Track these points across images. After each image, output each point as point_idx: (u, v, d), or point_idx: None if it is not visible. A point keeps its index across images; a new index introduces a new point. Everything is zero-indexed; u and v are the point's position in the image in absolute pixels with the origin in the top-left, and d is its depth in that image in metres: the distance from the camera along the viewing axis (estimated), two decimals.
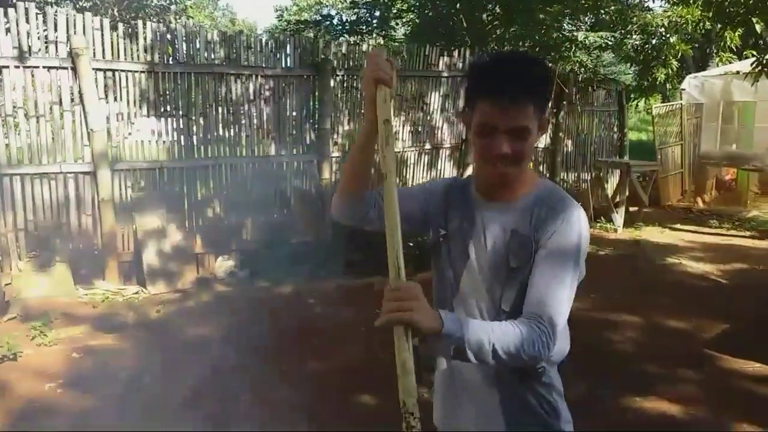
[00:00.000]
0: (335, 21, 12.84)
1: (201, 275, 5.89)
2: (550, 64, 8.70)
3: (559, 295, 1.30)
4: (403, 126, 7.20)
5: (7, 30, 4.93)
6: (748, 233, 8.11)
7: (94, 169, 5.32)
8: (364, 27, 11.91)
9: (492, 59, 1.40)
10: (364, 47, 7.09)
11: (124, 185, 5.58)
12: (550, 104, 1.43)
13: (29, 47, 4.99)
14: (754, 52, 5.88)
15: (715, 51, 10.42)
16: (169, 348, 4.32)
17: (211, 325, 4.73)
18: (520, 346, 1.23)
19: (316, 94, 6.45)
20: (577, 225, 1.35)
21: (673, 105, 10.60)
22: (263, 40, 6.42)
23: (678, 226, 8.51)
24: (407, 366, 1.12)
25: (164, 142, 5.77)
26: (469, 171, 7.57)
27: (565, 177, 9.26)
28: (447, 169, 7.72)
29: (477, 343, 1.20)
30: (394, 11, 12.13)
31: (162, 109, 5.69)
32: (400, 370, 1.12)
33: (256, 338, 4.46)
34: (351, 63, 6.74)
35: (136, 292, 5.38)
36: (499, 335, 1.22)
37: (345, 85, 6.76)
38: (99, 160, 5.31)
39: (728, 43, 8.35)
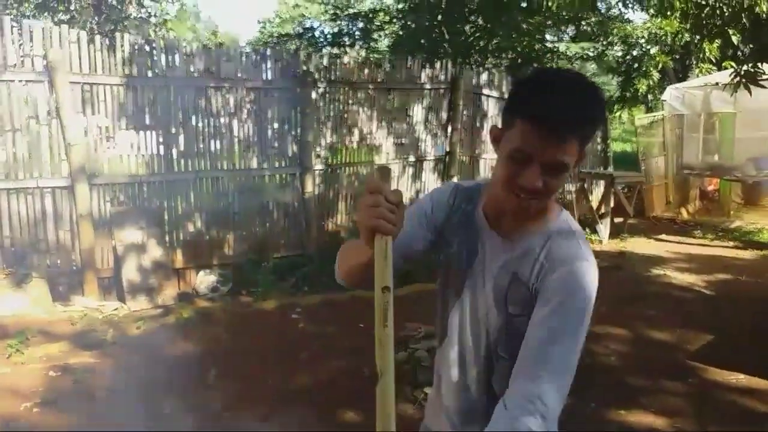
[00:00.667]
0: (317, 33, 12.86)
1: (182, 290, 5.82)
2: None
3: (559, 368, 1.15)
4: (387, 138, 7.18)
5: None
6: (731, 243, 8.17)
7: (71, 183, 5.24)
8: (346, 39, 11.94)
9: (546, 79, 1.22)
10: (346, 59, 7.08)
11: (103, 200, 5.49)
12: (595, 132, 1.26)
13: (4, 61, 4.92)
14: (733, 64, 5.94)
15: (694, 62, 10.57)
16: (150, 365, 4.23)
17: (193, 342, 4.65)
18: None
19: (298, 106, 6.41)
20: (583, 283, 1.19)
21: (655, 116, 10.70)
22: (244, 53, 6.39)
23: (663, 236, 8.55)
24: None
25: (143, 155, 5.70)
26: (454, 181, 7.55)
27: None
28: (431, 181, 7.70)
29: None
30: (377, 23, 12.18)
31: (141, 123, 5.63)
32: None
33: (239, 354, 4.39)
34: (333, 75, 6.73)
35: (116, 309, 5.28)
36: None
37: (327, 97, 6.74)
38: (77, 174, 5.23)
39: (707, 55, 8.45)
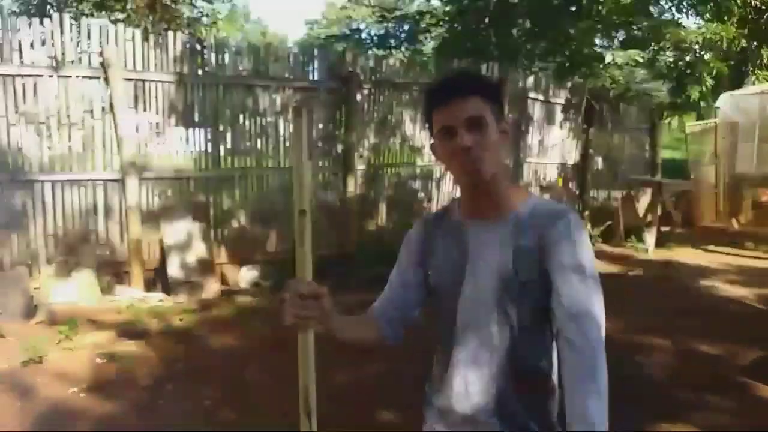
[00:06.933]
0: (364, 35, 12.92)
1: (224, 285, 5.92)
2: (580, 80, 8.60)
3: (596, 310, 1.27)
4: (429, 140, 7.15)
5: (43, 41, 5.04)
6: None
7: (122, 177, 5.39)
8: (392, 41, 11.97)
9: (436, 81, 1.44)
10: (392, 61, 7.10)
11: (152, 194, 5.63)
12: (505, 112, 1.44)
13: (63, 57, 5.10)
14: None
15: (751, 69, 10.19)
16: (191, 356, 4.32)
17: (234, 335, 4.73)
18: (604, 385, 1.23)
19: (343, 107, 6.45)
20: (579, 232, 1.33)
21: (707, 123, 10.38)
22: (291, 53, 6.47)
23: (712, 247, 8.27)
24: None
25: (192, 152, 5.83)
26: None
27: (596, 195, 9.11)
28: None
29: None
30: (423, 25, 12.16)
31: (190, 120, 5.75)
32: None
33: (279, 349, 4.43)
34: (378, 76, 6.75)
35: (161, 300, 5.41)
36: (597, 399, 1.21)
37: (372, 98, 6.77)
38: (127, 168, 5.38)
39: (765, 61, 8.16)
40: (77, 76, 5.19)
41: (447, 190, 7.48)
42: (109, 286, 5.44)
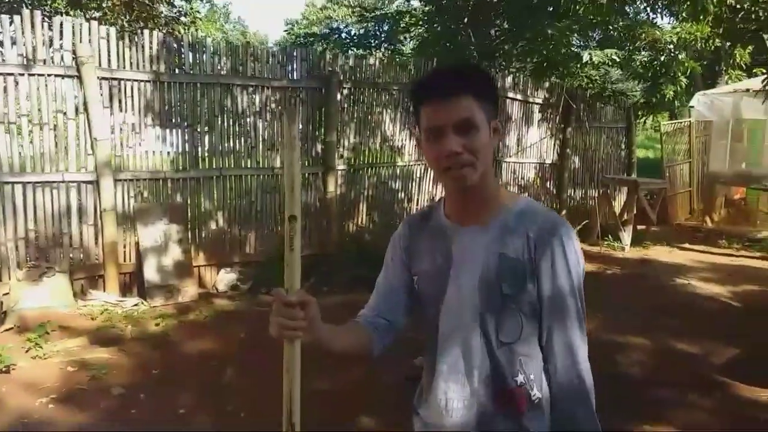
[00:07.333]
0: (344, 35, 12.88)
1: (202, 288, 5.83)
2: (557, 80, 8.67)
3: (581, 347, 1.29)
4: (410, 140, 7.14)
5: (13, 40, 4.91)
6: (758, 254, 7.98)
7: (97, 178, 5.27)
8: (372, 41, 11.94)
9: (424, 75, 1.37)
10: (372, 61, 7.06)
11: (127, 195, 5.52)
12: (497, 109, 1.34)
13: (34, 55, 4.97)
14: (765, 70, 5.82)
15: (724, 68, 10.38)
16: (167, 362, 4.24)
17: (211, 340, 4.66)
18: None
19: (323, 107, 6.40)
20: (574, 248, 1.28)
21: (681, 122, 10.54)
22: (270, 52, 6.40)
23: (686, 245, 8.40)
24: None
25: (168, 152, 5.72)
26: None
27: (572, 194, 9.19)
28: None
29: None
30: (402, 25, 12.16)
31: (167, 119, 5.65)
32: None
33: (257, 354, 4.38)
34: (358, 76, 6.71)
35: (136, 305, 5.31)
36: None
37: (351, 98, 6.72)
38: (102, 169, 5.26)
39: (738, 60, 8.29)
40: (50, 75, 5.05)
41: (428, 189, 7.47)
42: (83, 291, 5.33)
